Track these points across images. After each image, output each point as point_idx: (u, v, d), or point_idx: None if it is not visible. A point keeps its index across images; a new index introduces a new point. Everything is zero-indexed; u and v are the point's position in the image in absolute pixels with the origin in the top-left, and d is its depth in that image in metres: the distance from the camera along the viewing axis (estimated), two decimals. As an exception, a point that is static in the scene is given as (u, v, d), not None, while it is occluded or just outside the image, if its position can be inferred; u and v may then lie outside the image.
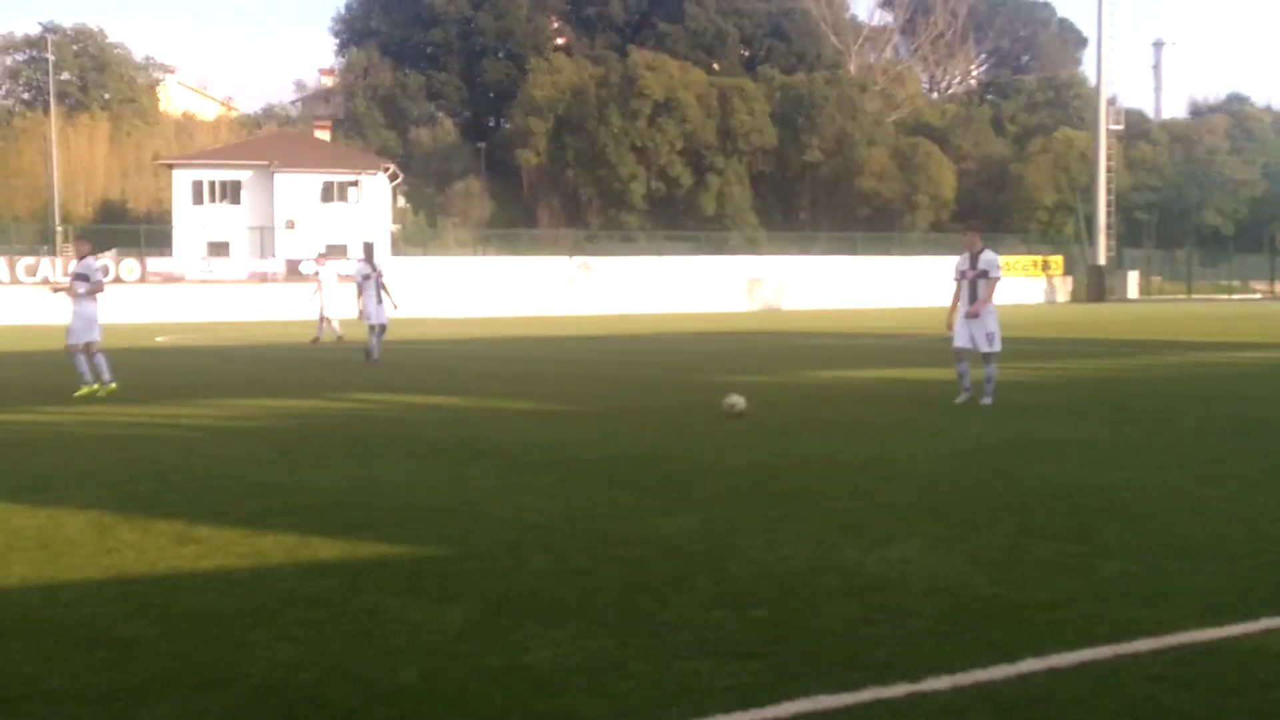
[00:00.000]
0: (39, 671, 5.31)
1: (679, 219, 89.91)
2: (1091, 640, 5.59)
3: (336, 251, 67.41)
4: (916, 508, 8.85)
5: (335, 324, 34.51)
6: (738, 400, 14.40)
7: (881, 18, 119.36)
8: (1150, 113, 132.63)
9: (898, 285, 75.32)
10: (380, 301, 24.76)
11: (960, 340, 15.69)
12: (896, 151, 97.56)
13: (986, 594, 6.44)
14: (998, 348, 15.50)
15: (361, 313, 25.25)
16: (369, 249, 26.42)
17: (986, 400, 15.31)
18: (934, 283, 76.31)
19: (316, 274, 36.49)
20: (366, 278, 25.13)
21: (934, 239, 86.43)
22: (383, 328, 24.58)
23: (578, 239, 79.52)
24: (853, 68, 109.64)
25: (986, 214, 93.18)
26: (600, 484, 9.96)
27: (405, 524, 8.39)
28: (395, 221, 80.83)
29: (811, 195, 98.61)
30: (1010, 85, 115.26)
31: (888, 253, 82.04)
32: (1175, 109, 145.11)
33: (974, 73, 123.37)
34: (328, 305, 34.80)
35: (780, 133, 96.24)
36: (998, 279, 15.59)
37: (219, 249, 68.29)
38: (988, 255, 15.79)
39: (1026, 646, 5.49)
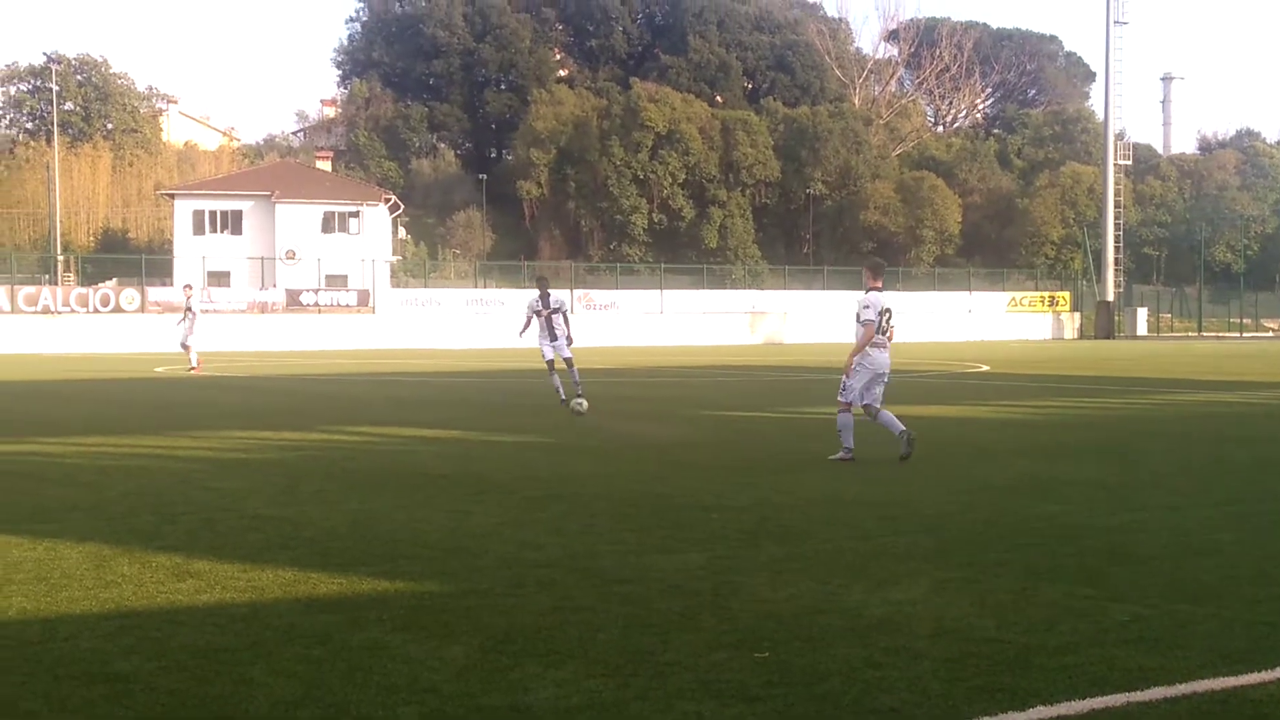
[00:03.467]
0: (37, 707, 5.30)
1: (681, 251, 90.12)
2: (1103, 687, 5.56)
3: (337, 282, 67.74)
4: (921, 548, 8.84)
5: (194, 354, 35.73)
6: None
7: (886, 51, 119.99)
8: (1159, 148, 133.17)
9: (902, 320, 75.29)
10: (555, 338, 23.02)
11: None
12: (901, 185, 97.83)
13: (994, 638, 6.42)
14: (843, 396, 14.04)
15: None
16: (543, 282, 23.94)
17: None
18: (939, 317, 76.63)
19: (187, 302, 37.45)
20: (538, 313, 22.59)
21: (939, 273, 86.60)
22: (567, 361, 22.78)
23: (579, 271, 79.63)
24: (857, 101, 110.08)
25: (993, 248, 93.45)
26: (602, 520, 9.94)
27: (405, 559, 8.38)
28: (395, 253, 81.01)
29: (815, 228, 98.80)
30: (1017, 119, 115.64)
31: (892, 287, 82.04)
32: (1185, 144, 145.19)
33: (980, 106, 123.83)
34: (193, 334, 35.87)
35: (783, 165, 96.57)
36: (868, 321, 13.98)
37: (219, 279, 68.38)
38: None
39: (1036, 693, 5.47)
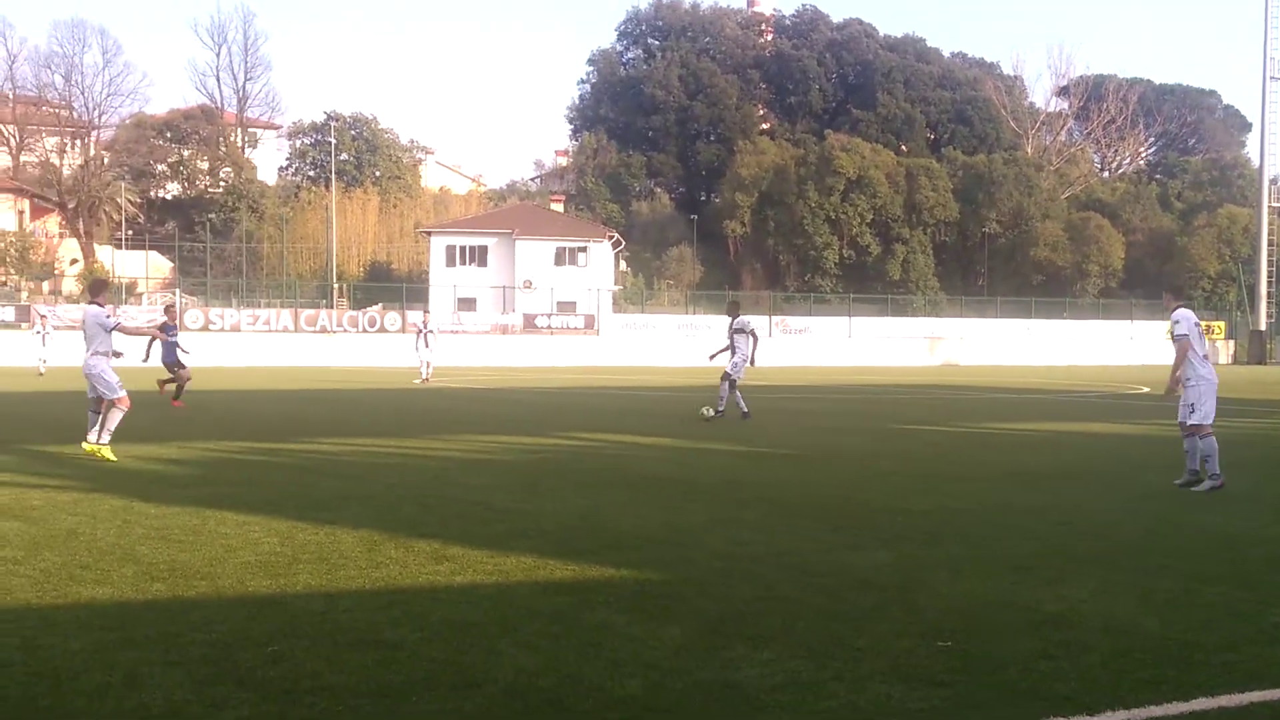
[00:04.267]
0: (320, 668, 5.48)
1: (868, 283, 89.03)
2: (1260, 682, 5.34)
3: (567, 308, 68.70)
4: (1089, 551, 8.58)
5: (44, 366, 40.36)
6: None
7: (1057, 105, 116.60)
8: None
9: (1068, 346, 73.34)
10: (732, 353, 21.80)
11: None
12: (1069, 224, 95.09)
13: (1157, 634, 6.20)
14: (1193, 419, 12.19)
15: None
16: (734, 306, 23.29)
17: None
18: (1103, 344, 74.29)
19: (44, 317, 42.78)
20: (739, 332, 21.99)
21: (1103, 304, 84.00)
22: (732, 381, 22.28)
23: (777, 300, 79.27)
24: (1030, 149, 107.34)
25: (1153, 282, 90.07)
26: (801, 520, 9.88)
27: (629, 549, 8.44)
28: (617, 283, 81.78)
29: (989, 263, 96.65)
30: (1177, 165, 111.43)
31: (1059, 316, 79.92)
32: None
33: (1143, 154, 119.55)
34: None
35: (961, 207, 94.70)
36: (1182, 335, 12.21)
37: (467, 304, 70.06)
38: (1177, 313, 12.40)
39: (1198, 686, 5.27)
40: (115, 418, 13.64)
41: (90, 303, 13.89)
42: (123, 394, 13.64)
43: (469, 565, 7.80)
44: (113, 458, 13.36)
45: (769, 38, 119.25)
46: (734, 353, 21.88)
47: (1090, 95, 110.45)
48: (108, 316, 13.90)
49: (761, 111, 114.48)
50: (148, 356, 23.95)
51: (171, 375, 24.61)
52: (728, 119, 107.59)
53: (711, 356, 24.12)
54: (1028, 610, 6.71)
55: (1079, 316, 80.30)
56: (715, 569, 7.80)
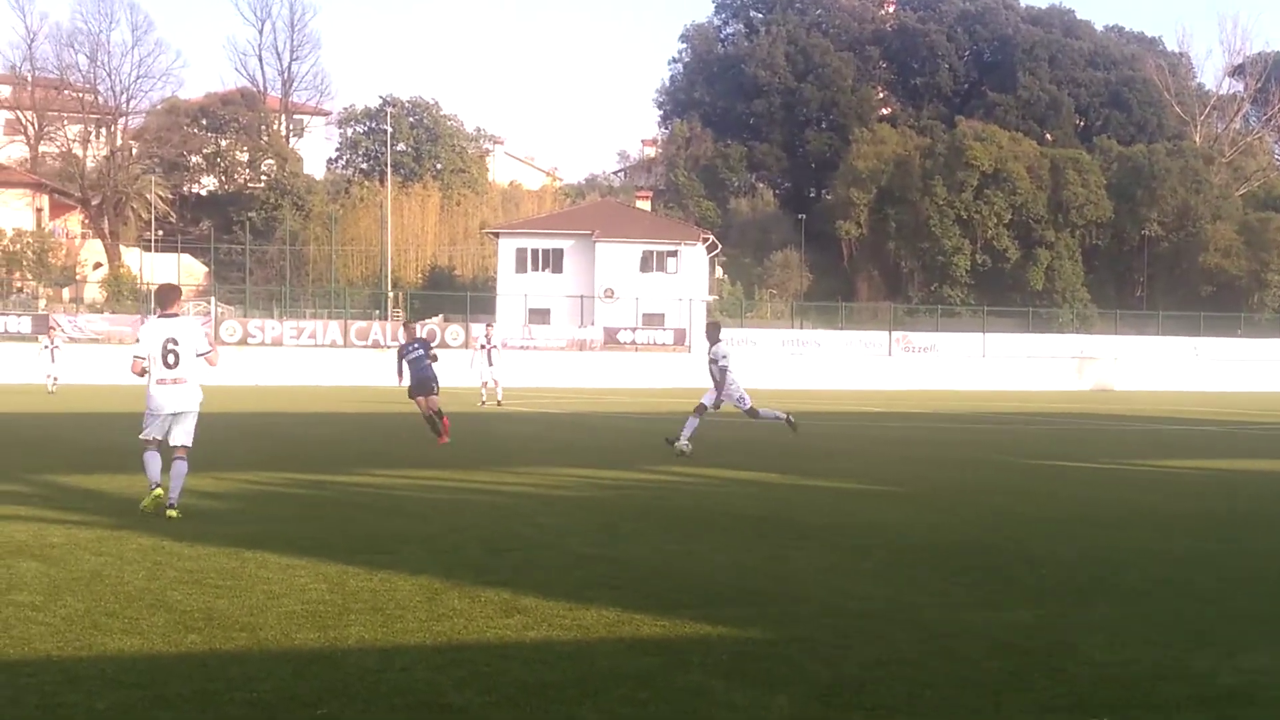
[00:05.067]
0: (375, 734, 5.53)
1: (1005, 294, 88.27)
2: None
3: (654, 320, 68.84)
4: (1269, 613, 8.41)
5: (54, 383, 42.66)
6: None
7: (1231, 86, 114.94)
8: None
9: (1244, 369, 71.98)
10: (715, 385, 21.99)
11: None
12: (1245, 226, 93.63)
13: (1355, 714, 6.06)
14: None
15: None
16: (714, 329, 22.87)
17: None
18: (1285, 367, 72.88)
19: (53, 329, 44.30)
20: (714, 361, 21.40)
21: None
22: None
23: (898, 313, 78.90)
24: (1198, 138, 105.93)
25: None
26: (924, 570, 9.80)
27: (726, 603, 8.41)
28: (712, 292, 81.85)
29: (1149, 271, 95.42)
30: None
31: (1233, 334, 78.62)
32: None
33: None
34: (57, 364, 42.68)
35: (1116, 205, 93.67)
36: None
37: (540, 316, 70.43)
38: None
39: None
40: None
41: (162, 315, 12.45)
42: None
43: (543, 619, 7.82)
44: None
45: (890, 9, 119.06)
46: (721, 387, 20.90)
47: (1270, 75, 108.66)
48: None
49: (881, 94, 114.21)
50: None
51: None
52: (842, 103, 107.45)
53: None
54: (1202, 683, 6.59)
55: (1257, 335, 78.94)
56: (827, 627, 7.76)
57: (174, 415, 12.18)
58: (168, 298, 12.72)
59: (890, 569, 9.86)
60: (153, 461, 12.15)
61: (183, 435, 12.24)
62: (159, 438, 12.22)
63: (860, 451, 21.76)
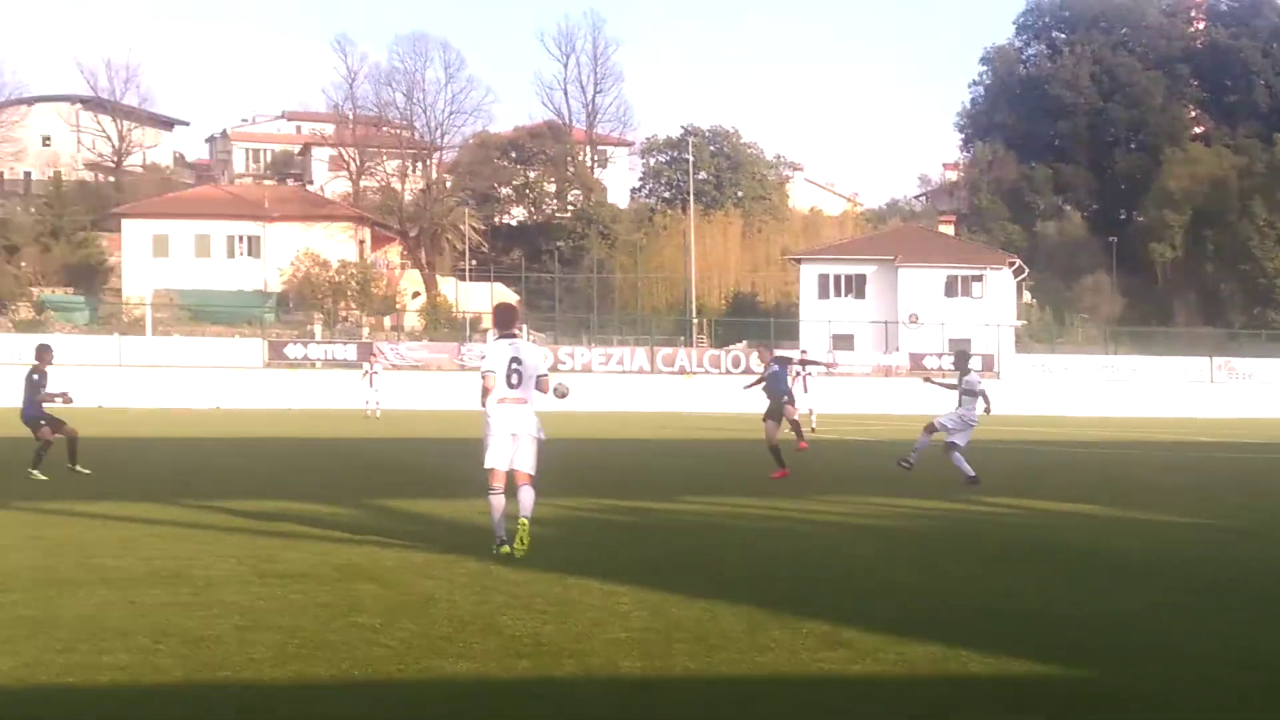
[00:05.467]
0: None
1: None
2: None
3: (960, 346, 67.51)
4: None
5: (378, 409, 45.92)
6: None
7: None
8: None
9: None
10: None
11: None
12: None
13: None
14: None
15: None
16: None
17: None
18: None
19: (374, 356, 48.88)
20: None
21: None
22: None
23: (1218, 338, 75.56)
24: None
25: None
26: (1266, 608, 9.28)
27: (1053, 645, 8.08)
28: (1020, 317, 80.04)
29: None
30: None
31: None
32: None
33: None
34: (375, 390, 46.18)
35: None
36: None
37: (843, 341, 70.04)
38: None
39: None
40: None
41: (501, 335, 11.99)
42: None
43: (866, 653, 7.68)
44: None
45: (1200, 26, 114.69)
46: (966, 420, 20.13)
47: None
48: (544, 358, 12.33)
49: (1193, 113, 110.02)
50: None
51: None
52: (1152, 122, 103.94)
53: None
54: None
55: None
56: (1171, 676, 7.36)
57: (514, 436, 11.58)
58: (507, 318, 12.21)
59: (1229, 612, 9.35)
60: (498, 506, 11.50)
61: (525, 462, 11.60)
62: (503, 468, 11.56)
63: (1192, 485, 20.84)
